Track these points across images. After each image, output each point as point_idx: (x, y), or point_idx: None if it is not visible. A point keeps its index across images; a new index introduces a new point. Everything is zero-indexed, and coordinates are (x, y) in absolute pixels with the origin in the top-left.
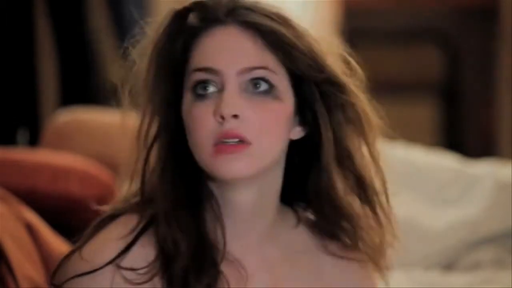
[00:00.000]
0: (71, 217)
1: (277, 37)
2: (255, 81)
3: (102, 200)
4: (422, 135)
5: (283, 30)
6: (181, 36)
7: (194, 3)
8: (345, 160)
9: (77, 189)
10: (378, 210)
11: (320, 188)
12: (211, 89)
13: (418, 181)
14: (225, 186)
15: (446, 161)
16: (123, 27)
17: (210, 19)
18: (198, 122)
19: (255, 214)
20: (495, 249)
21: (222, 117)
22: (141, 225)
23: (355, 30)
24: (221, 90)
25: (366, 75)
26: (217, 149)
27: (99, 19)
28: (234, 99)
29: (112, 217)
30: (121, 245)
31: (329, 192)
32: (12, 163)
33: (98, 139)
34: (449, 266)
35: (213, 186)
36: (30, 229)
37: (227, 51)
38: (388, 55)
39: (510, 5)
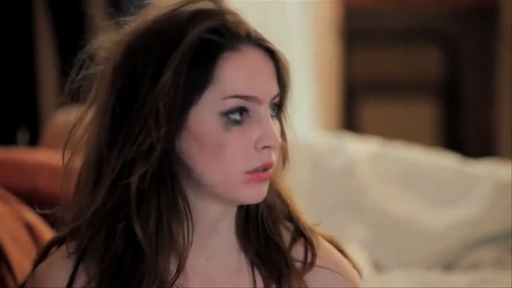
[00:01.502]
0: None
1: (285, 67)
2: (275, 105)
3: None
4: (422, 135)
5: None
6: (204, 49)
7: (221, 23)
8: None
9: None
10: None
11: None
12: (246, 115)
13: (418, 181)
14: (206, 199)
15: (446, 161)
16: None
17: (236, 38)
18: (233, 148)
19: (218, 225)
20: (495, 249)
21: (267, 147)
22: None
23: (355, 30)
24: (254, 116)
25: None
26: (252, 177)
27: (99, 19)
28: (274, 128)
29: (60, 241)
30: (67, 272)
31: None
32: (12, 163)
33: None
34: (449, 266)
35: (189, 198)
36: (30, 229)
37: (263, 79)
38: (388, 55)
39: (510, 5)
